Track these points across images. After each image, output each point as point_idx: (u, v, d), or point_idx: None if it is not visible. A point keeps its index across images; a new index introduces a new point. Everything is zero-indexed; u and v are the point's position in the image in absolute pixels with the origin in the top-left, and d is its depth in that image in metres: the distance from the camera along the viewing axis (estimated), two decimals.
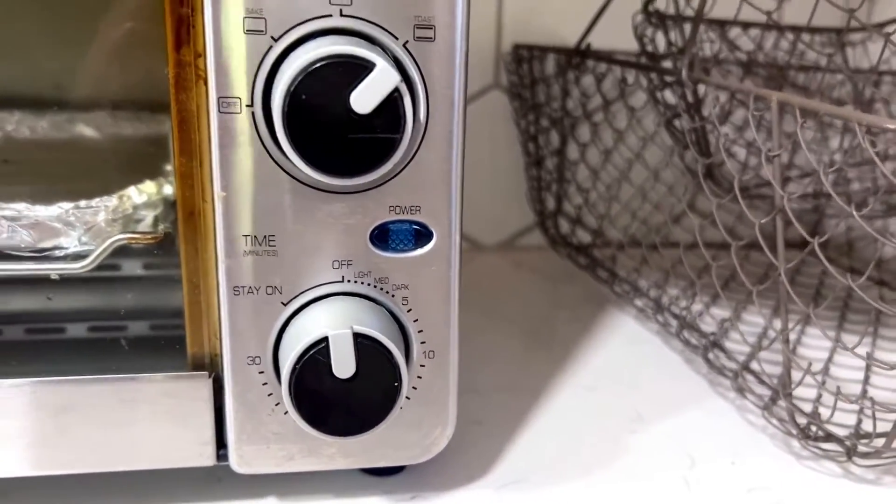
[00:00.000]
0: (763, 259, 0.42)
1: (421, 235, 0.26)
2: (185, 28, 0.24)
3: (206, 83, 0.24)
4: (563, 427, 0.36)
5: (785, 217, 0.28)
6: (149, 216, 0.28)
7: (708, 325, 0.43)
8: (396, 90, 0.22)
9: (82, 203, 0.26)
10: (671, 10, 0.43)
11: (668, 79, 0.37)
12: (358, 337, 0.24)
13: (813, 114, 0.27)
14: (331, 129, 0.22)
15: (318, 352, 0.24)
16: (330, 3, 0.24)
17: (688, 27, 0.41)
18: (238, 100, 0.24)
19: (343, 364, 0.24)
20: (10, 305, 0.31)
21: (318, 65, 0.22)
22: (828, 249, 0.51)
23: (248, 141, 0.24)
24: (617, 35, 0.46)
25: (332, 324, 0.25)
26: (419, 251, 0.26)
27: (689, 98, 0.35)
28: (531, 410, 0.37)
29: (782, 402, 0.32)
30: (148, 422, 0.27)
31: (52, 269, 0.26)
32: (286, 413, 0.27)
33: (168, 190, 0.29)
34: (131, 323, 0.30)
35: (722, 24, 0.53)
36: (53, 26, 0.30)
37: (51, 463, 0.27)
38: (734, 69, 0.55)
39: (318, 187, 0.25)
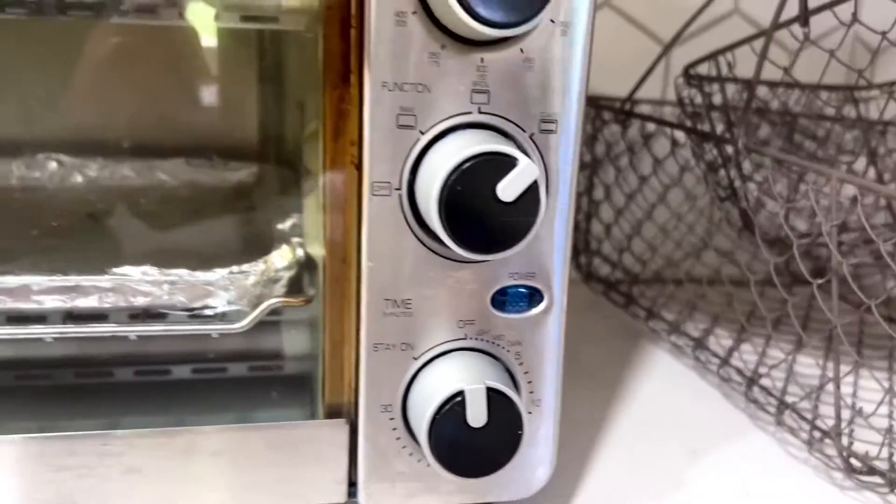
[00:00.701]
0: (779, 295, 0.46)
1: (534, 298, 0.30)
2: (343, 121, 0.27)
3: (359, 169, 0.28)
4: (620, 458, 0.39)
5: (841, 277, 0.32)
6: (285, 276, 0.32)
7: (740, 359, 0.48)
8: (535, 180, 0.26)
9: (235, 268, 0.30)
10: (713, 72, 0.47)
11: (724, 150, 0.41)
12: (489, 391, 0.28)
13: (868, 191, 0.31)
14: (480, 216, 0.26)
15: (456, 404, 0.28)
16: (471, 101, 0.27)
17: (728, 88, 0.45)
18: (388, 184, 0.27)
19: (477, 415, 0.28)
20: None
21: (471, 162, 0.25)
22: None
23: (395, 219, 0.28)
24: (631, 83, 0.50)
25: (462, 378, 0.28)
26: (532, 312, 0.30)
27: (740, 163, 0.39)
28: (587, 442, 0.40)
29: (829, 441, 0.36)
30: (290, 463, 0.30)
31: (215, 328, 0.29)
32: (411, 455, 0.30)
33: (300, 253, 0.32)
34: (272, 367, 0.33)
35: (748, 83, 0.58)
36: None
37: (202, 502, 0.30)
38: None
39: (452, 258, 0.28)
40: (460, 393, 0.28)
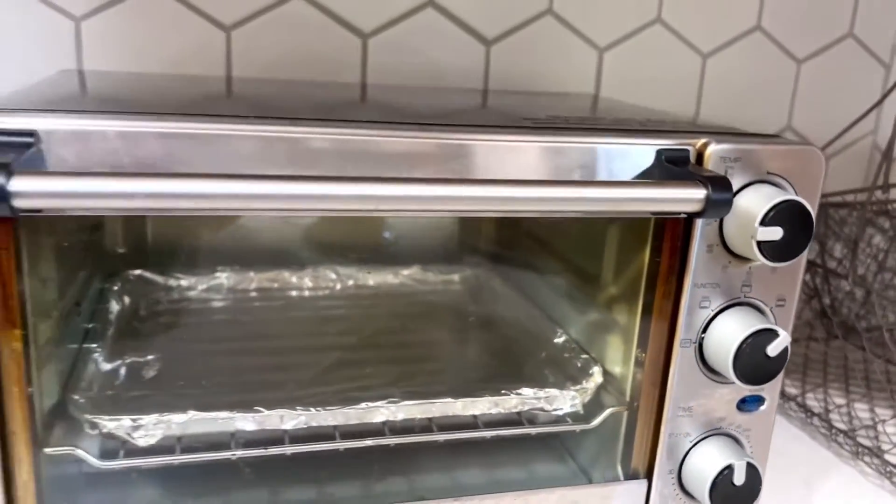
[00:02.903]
0: None
1: (761, 401, 0.48)
2: (666, 302, 0.45)
3: (672, 327, 0.45)
4: None
5: None
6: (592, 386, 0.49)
7: None
8: (787, 343, 0.44)
9: (584, 383, 0.47)
10: None
11: None
12: (748, 463, 0.46)
13: None
14: (756, 364, 0.43)
15: (726, 471, 0.45)
16: (740, 290, 0.45)
17: None
18: (690, 340, 0.45)
19: (740, 477, 0.46)
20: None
21: (751, 337, 0.43)
22: None
23: (689, 360, 0.45)
24: None
25: (725, 456, 0.46)
26: (760, 409, 0.48)
27: None
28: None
29: None
30: None
31: (571, 428, 0.47)
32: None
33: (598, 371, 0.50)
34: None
35: None
36: None
37: None
38: None
39: (721, 382, 0.46)
40: (730, 466, 0.46)
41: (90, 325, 0.51)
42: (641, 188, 0.39)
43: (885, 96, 0.68)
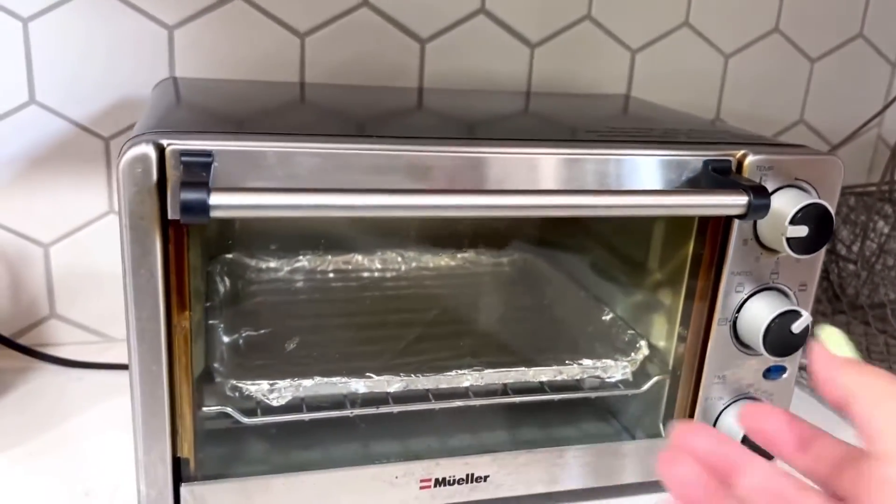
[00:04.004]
0: None
1: (783, 370, 0.56)
2: (707, 285, 0.53)
3: (710, 310, 0.53)
4: None
5: None
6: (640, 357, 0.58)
7: None
8: (808, 321, 0.52)
9: (633, 355, 0.56)
10: None
11: None
12: None
13: None
14: (782, 339, 0.52)
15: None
16: (769, 276, 0.53)
17: None
18: (726, 319, 0.54)
19: None
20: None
21: (778, 317, 0.51)
22: None
23: (724, 336, 0.54)
24: None
25: None
26: (782, 377, 0.57)
27: None
28: None
29: None
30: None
31: (623, 392, 0.55)
32: None
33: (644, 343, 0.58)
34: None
35: None
36: None
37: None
38: None
39: (751, 354, 0.55)
40: None
41: (207, 304, 0.60)
42: (698, 196, 0.48)
43: (895, 99, 0.76)
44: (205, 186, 0.38)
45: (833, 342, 0.31)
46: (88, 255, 0.75)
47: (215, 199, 0.38)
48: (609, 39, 0.84)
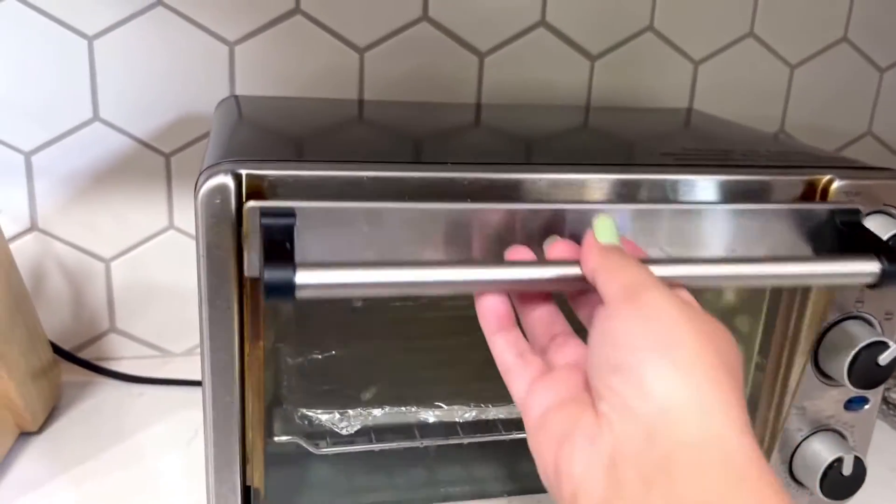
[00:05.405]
0: None
1: (866, 401, 0.54)
2: (798, 337, 0.51)
3: (795, 337, 0.51)
4: None
5: None
6: None
7: None
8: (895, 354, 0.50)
9: None
10: None
11: None
12: (855, 456, 0.52)
13: None
14: (868, 372, 0.50)
15: (836, 463, 0.52)
16: (855, 302, 0.51)
17: None
18: (807, 349, 0.51)
19: (848, 468, 0.52)
20: None
21: (865, 347, 0.49)
22: None
23: (807, 368, 0.52)
24: None
25: (832, 449, 0.53)
26: (864, 408, 0.54)
27: None
28: None
29: None
30: None
31: None
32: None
33: None
34: None
35: None
36: None
37: None
38: None
39: (833, 385, 0.53)
40: (840, 458, 0.52)
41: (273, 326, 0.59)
42: (826, 264, 0.44)
43: None
44: (290, 261, 0.36)
45: (600, 229, 0.39)
46: (148, 271, 0.76)
47: (302, 277, 0.36)
48: (671, 51, 0.82)
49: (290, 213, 0.39)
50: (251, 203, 0.39)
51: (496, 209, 0.42)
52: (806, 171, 0.49)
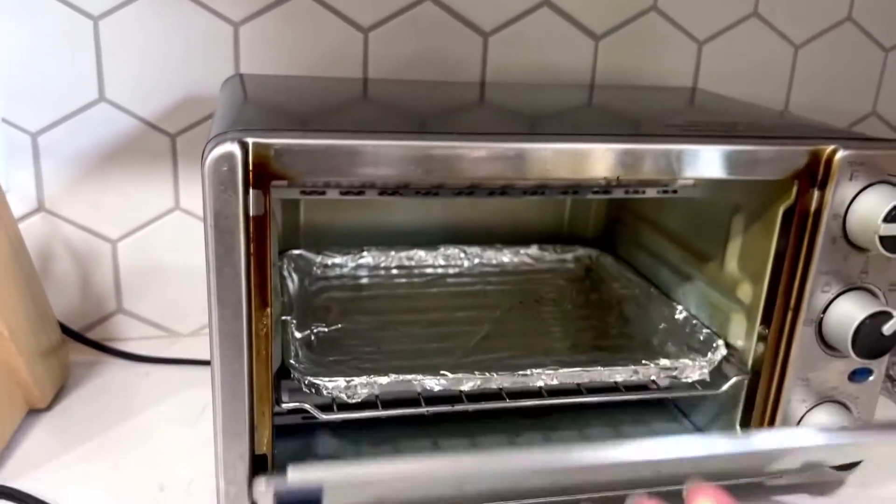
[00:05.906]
0: None
1: (870, 373, 0.54)
2: (791, 289, 0.51)
3: (796, 312, 0.52)
4: None
5: None
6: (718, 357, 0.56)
7: None
8: None
9: (710, 355, 0.54)
10: None
11: None
12: None
13: None
14: (872, 342, 0.50)
15: None
16: (857, 276, 0.51)
17: None
18: (812, 319, 0.52)
19: None
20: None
21: (869, 318, 0.49)
22: None
23: (809, 335, 0.52)
24: None
25: (835, 420, 0.53)
26: (868, 380, 0.54)
27: None
28: None
29: None
30: None
31: (701, 393, 0.54)
32: None
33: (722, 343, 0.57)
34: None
35: None
36: None
37: None
38: None
39: (836, 357, 0.53)
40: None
41: (281, 299, 0.60)
42: None
43: None
44: None
45: None
46: (154, 251, 0.76)
47: None
48: (675, 31, 0.82)
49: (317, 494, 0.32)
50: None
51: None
52: (810, 142, 0.49)
